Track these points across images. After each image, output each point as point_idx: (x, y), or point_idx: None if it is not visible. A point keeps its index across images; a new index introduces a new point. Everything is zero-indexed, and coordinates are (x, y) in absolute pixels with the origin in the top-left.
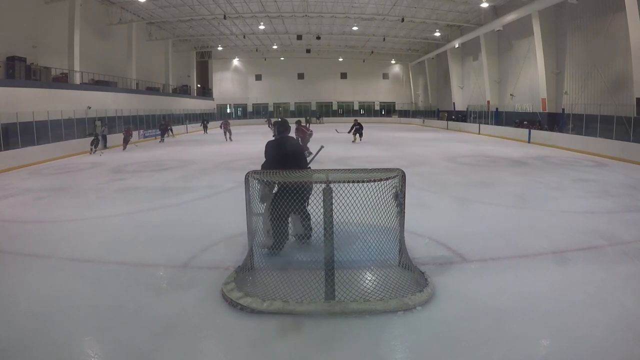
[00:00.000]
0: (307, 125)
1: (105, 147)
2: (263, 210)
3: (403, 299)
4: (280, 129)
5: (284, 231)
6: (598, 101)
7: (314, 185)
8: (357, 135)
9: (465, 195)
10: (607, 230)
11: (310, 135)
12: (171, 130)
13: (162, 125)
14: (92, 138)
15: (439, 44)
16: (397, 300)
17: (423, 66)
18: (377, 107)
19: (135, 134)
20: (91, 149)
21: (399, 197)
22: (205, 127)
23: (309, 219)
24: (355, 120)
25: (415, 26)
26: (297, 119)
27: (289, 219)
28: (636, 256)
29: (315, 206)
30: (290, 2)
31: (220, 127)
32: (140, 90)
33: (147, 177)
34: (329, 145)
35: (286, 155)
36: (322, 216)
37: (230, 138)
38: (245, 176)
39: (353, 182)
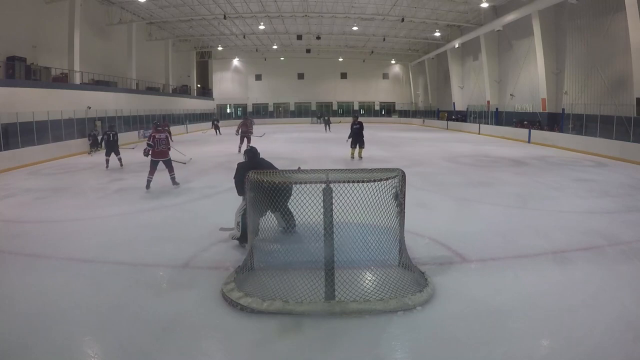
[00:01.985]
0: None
1: (97, 148)
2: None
3: (403, 299)
4: (250, 154)
5: (253, 225)
6: (598, 101)
7: (313, 186)
8: (357, 146)
9: (465, 195)
10: (607, 230)
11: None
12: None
13: (91, 134)
14: (93, 139)
15: (439, 44)
16: (397, 300)
17: (423, 66)
18: (377, 107)
19: (134, 134)
20: (91, 151)
21: (399, 197)
22: (217, 128)
23: (290, 214)
24: (355, 118)
25: (415, 26)
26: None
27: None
28: (636, 256)
29: (315, 206)
30: (290, 2)
31: (237, 132)
32: (140, 90)
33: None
34: (329, 145)
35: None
36: (322, 216)
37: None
38: (246, 176)
39: (353, 182)
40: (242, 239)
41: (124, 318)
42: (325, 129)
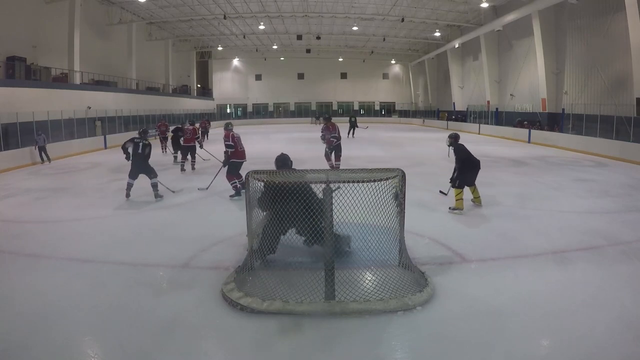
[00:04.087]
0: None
1: (45, 159)
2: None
3: (403, 299)
4: (279, 163)
5: (271, 242)
6: (598, 101)
7: (313, 186)
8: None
9: (466, 195)
10: (607, 230)
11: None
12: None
13: (38, 139)
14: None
15: (439, 44)
16: (397, 300)
17: (423, 66)
18: (377, 107)
19: (134, 134)
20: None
21: (399, 197)
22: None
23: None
24: (454, 137)
25: (415, 26)
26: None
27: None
28: (636, 256)
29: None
30: (290, 2)
31: (323, 139)
32: (140, 90)
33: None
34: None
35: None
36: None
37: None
38: (245, 176)
39: (353, 182)
40: (258, 254)
41: (124, 318)
42: (349, 134)
